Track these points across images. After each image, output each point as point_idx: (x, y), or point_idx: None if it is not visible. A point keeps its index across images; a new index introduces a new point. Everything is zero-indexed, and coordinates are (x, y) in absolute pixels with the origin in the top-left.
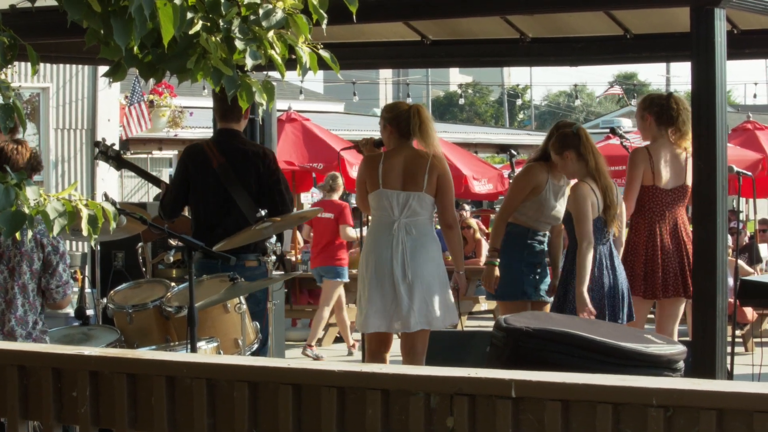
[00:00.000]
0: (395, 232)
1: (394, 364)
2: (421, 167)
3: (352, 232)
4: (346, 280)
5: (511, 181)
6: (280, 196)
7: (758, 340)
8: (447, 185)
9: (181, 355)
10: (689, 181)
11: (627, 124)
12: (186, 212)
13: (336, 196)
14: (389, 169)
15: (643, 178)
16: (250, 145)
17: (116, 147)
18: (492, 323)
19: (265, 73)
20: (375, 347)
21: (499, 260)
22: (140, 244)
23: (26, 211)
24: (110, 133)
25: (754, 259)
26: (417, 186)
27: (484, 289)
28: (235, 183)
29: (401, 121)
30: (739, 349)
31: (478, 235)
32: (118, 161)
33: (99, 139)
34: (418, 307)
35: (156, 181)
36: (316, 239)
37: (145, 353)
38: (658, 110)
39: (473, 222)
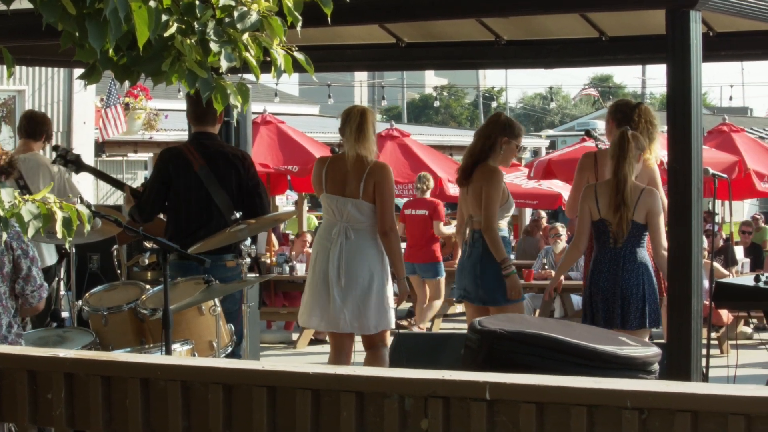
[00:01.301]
0: (334, 236)
1: (365, 366)
2: (359, 174)
3: (446, 229)
4: (443, 275)
5: (486, 191)
6: (259, 199)
7: (733, 342)
8: (384, 192)
9: (156, 358)
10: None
11: (602, 126)
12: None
13: (428, 195)
14: (332, 172)
15: (591, 183)
16: (228, 148)
17: (75, 151)
18: (466, 325)
19: (239, 75)
20: (332, 346)
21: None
22: (115, 246)
23: (0, 213)
24: (86, 135)
25: (729, 261)
26: (354, 193)
27: (452, 293)
28: (216, 186)
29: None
30: (714, 351)
31: (455, 238)
32: (77, 165)
33: (59, 142)
34: (351, 311)
35: (119, 184)
36: (409, 236)
37: (120, 355)
38: (620, 117)
39: (452, 224)
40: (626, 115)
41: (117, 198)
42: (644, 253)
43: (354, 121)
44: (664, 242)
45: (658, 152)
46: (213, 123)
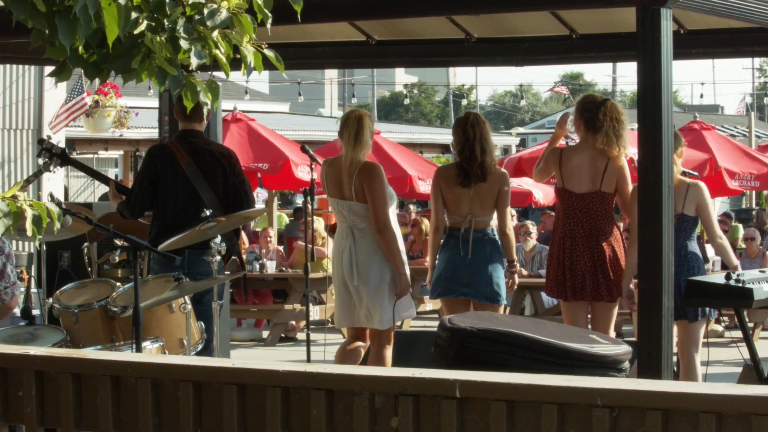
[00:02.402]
0: (344, 237)
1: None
2: (349, 177)
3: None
4: None
5: (506, 194)
6: (245, 196)
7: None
8: (373, 191)
9: (126, 355)
10: (607, 188)
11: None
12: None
13: None
14: (331, 176)
15: (556, 180)
16: (215, 146)
17: (61, 144)
18: (437, 323)
19: (209, 72)
20: (348, 340)
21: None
22: (86, 244)
23: None
24: (57, 132)
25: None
26: (349, 195)
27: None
28: (202, 183)
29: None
30: None
31: (425, 235)
32: (63, 158)
33: (44, 137)
34: (365, 307)
35: (104, 178)
36: None
37: (91, 353)
38: (588, 116)
39: (425, 222)
40: (593, 113)
41: (88, 196)
42: (695, 246)
43: (352, 126)
44: (718, 231)
45: (628, 149)
46: (200, 120)
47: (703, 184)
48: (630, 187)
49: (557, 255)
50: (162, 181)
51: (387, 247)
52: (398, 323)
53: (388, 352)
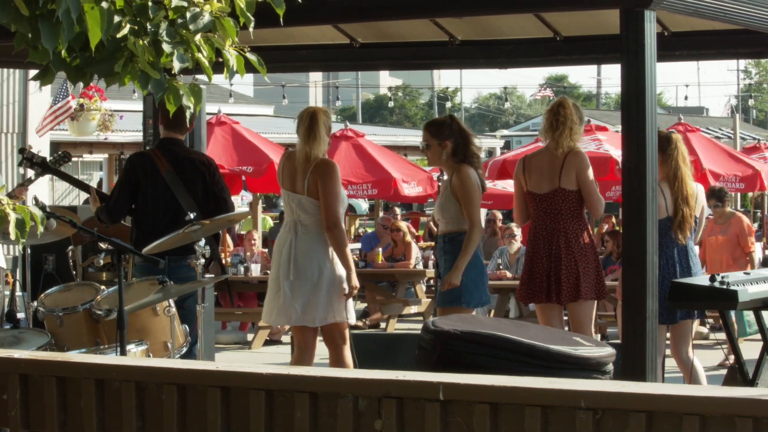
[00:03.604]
0: (288, 231)
1: (322, 366)
2: (304, 171)
3: None
4: None
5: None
6: (224, 203)
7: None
8: (327, 189)
9: (111, 358)
10: (567, 184)
11: None
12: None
13: None
14: (287, 169)
15: (523, 185)
16: (195, 154)
17: (42, 153)
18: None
19: (192, 76)
20: (296, 344)
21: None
22: (70, 247)
23: None
24: (41, 136)
25: None
26: (300, 189)
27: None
28: (182, 190)
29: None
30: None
31: (408, 238)
32: (43, 167)
33: (26, 145)
34: (301, 304)
35: (84, 186)
36: None
37: (75, 356)
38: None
39: (403, 225)
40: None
41: (72, 199)
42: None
43: (304, 122)
44: None
45: (569, 142)
46: (182, 130)
47: (702, 186)
48: (591, 179)
49: (527, 257)
50: (142, 188)
51: (336, 245)
52: (353, 322)
53: (347, 351)
